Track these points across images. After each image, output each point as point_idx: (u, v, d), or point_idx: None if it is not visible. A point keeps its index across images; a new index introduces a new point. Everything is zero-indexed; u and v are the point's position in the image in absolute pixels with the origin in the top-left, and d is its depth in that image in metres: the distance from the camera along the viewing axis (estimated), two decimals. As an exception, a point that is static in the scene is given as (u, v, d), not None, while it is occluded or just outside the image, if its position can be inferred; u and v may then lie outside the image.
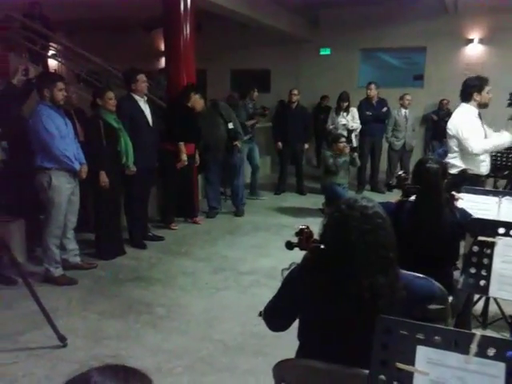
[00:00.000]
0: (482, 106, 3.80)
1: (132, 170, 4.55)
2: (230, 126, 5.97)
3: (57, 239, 3.97)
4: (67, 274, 4.04)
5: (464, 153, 3.73)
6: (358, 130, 7.32)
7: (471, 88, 3.76)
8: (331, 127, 7.35)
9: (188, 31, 5.90)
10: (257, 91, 7.26)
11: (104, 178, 4.24)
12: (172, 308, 3.59)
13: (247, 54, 10.74)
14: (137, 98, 4.79)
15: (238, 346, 3.06)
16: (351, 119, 7.24)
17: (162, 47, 7.20)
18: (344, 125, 7.19)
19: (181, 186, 5.56)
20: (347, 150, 5.96)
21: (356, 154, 6.12)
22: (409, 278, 1.67)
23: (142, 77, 4.79)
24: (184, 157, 5.29)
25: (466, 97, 3.80)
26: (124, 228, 4.92)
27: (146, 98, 4.91)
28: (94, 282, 4.05)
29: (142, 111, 4.80)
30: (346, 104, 7.20)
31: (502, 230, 2.19)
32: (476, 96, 3.74)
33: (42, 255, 4.02)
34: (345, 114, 7.23)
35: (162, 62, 8.01)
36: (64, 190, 3.87)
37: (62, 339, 2.96)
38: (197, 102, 5.44)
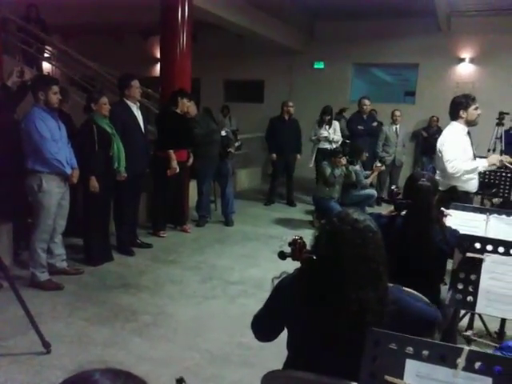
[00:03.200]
0: (469, 123, 3.84)
1: (123, 176, 4.54)
2: (223, 133, 6.00)
3: (44, 243, 3.93)
4: (53, 278, 3.99)
5: (446, 171, 3.78)
6: (340, 143, 7.47)
7: (458, 105, 3.82)
8: (313, 138, 7.52)
9: (184, 40, 5.93)
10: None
11: (94, 183, 4.22)
12: (159, 316, 3.57)
13: (241, 64, 10.81)
14: (129, 103, 4.78)
15: (225, 356, 3.05)
16: (333, 132, 7.45)
17: (158, 54, 7.22)
18: (325, 137, 7.39)
19: (171, 194, 5.55)
20: (343, 161, 6.04)
21: (352, 168, 6.18)
22: (403, 297, 1.68)
23: (136, 83, 4.79)
24: (174, 164, 5.26)
25: (453, 115, 3.86)
26: (112, 234, 4.89)
27: (138, 104, 4.91)
28: (81, 287, 4.01)
29: (135, 117, 4.79)
30: (328, 117, 7.41)
31: (489, 247, 2.22)
32: (462, 113, 3.79)
33: (29, 259, 3.98)
34: (327, 126, 7.43)
35: (157, 68, 8.02)
36: (54, 194, 3.84)
37: (47, 345, 2.92)
38: (185, 106, 5.41)
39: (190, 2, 6.01)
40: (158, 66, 6.86)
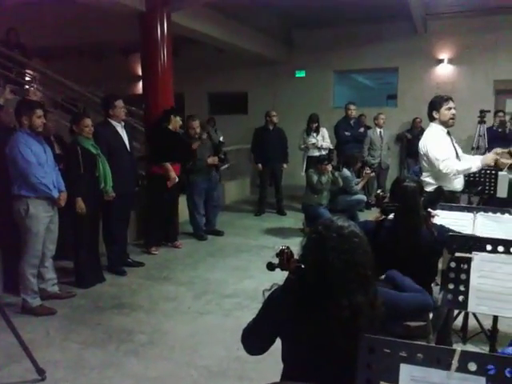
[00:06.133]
0: (443, 124, 3.78)
1: (111, 196, 4.52)
2: (221, 138, 6.16)
3: (34, 268, 3.88)
4: (45, 303, 3.95)
5: (435, 171, 3.77)
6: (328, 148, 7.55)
7: (430, 106, 3.82)
8: (302, 146, 7.59)
9: (165, 56, 5.96)
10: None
11: (80, 205, 4.21)
12: (154, 334, 3.54)
13: (224, 77, 10.89)
14: (114, 123, 4.78)
15: (223, 372, 3.03)
16: (321, 139, 7.52)
17: (140, 71, 7.25)
18: (313, 144, 7.47)
19: (166, 210, 5.56)
20: (329, 168, 6.09)
21: (338, 174, 6.23)
22: (391, 294, 1.71)
23: (119, 102, 4.79)
24: (173, 174, 5.36)
25: (430, 116, 3.86)
26: (103, 254, 4.85)
27: (123, 124, 4.91)
28: (74, 311, 3.97)
29: (120, 136, 4.79)
30: (315, 125, 7.48)
31: (477, 246, 2.24)
32: (435, 114, 3.78)
33: (19, 285, 3.92)
34: (315, 134, 7.51)
35: (140, 85, 8.05)
36: (41, 219, 3.81)
37: (41, 372, 2.88)
38: (177, 123, 5.57)
39: (168, 18, 6.06)
40: (141, 83, 6.89)
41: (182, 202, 6.15)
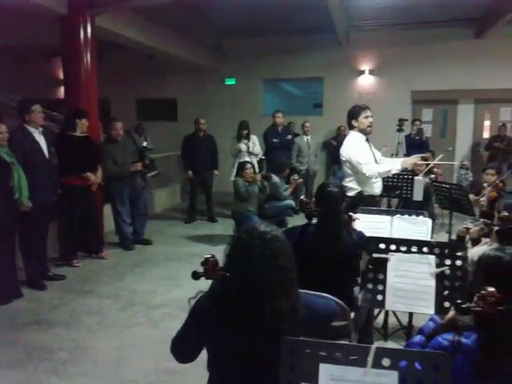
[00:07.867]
0: (362, 131, 3.94)
1: (27, 206, 4.25)
2: (145, 143, 6.01)
3: None
4: (-46, 323, 3.65)
5: (358, 176, 3.92)
6: (260, 156, 7.60)
7: (350, 116, 3.99)
8: (234, 151, 7.58)
9: (89, 60, 5.75)
10: None
11: (-8, 217, 3.92)
12: (76, 351, 3.36)
13: (153, 83, 10.72)
14: (31, 129, 4.51)
15: (150, 384, 2.94)
16: (252, 146, 7.54)
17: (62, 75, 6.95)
18: (241, 150, 7.45)
19: (80, 220, 5.26)
20: (258, 177, 6.14)
21: (267, 183, 6.29)
22: (310, 298, 1.74)
23: (37, 107, 4.53)
24: (92, 177, 5.12)
25: (349, 125, 4.04)
26: (20, 268, 4.54)
27: (41, 130, 4.65)
28: (-13, 330, 3.69)
29: (37, 143, 4.52)
30: (245, 132, 7.47)
31: (393, 247, 2.36)
32: (354, 123, 3.95)
33: None
34: (245, 140, 7.51)
35: (62, 90, 7.71)
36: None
37: None
38: (85, 126, 5.18)
39: (92, 22, 5.86)
40: (63, 87, 6.60)
41: (108, 210, 5.94)
